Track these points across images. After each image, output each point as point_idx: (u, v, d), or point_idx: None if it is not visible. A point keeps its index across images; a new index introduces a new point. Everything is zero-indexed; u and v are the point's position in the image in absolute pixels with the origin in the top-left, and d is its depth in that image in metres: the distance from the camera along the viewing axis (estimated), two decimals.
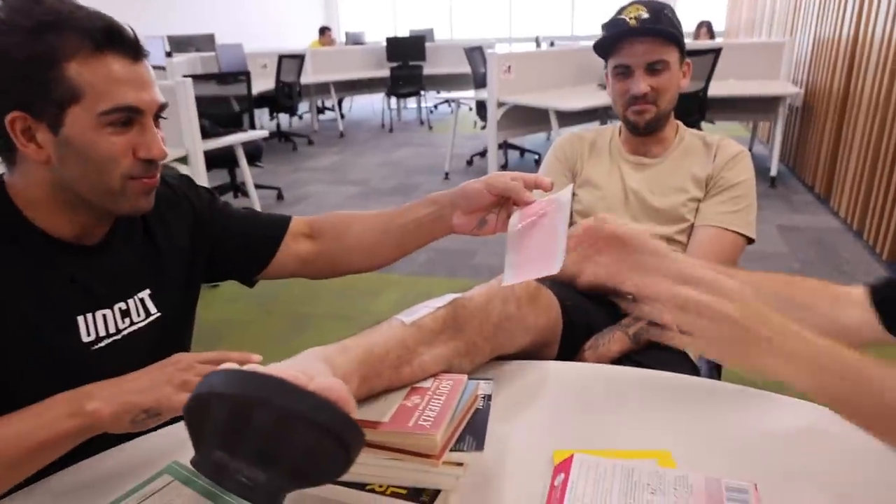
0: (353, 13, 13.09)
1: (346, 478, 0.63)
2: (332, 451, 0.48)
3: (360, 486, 0.64)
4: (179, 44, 7.31)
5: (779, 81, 4.77)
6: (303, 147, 6.73)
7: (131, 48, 0.76)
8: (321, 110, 8.68)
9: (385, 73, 7.41)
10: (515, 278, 0.78)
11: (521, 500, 0.67)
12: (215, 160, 3.68)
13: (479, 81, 5.47)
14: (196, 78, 3.54)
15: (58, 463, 0.73)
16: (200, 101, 3.19)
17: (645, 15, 1.21)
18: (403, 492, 0.63)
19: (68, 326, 0.80)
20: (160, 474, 0.70)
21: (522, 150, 5.88)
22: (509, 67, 4.46)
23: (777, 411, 0.82)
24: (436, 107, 9.15)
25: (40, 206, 0.79)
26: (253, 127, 4.27)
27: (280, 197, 4.72)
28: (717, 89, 4.19)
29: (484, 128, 5.17)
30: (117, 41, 0.74)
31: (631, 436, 0.76)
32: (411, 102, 8.68)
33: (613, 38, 1.25)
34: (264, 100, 6.21)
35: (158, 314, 0.90)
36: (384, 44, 7.57)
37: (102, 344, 0.83)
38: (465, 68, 5.98)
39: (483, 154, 5.56)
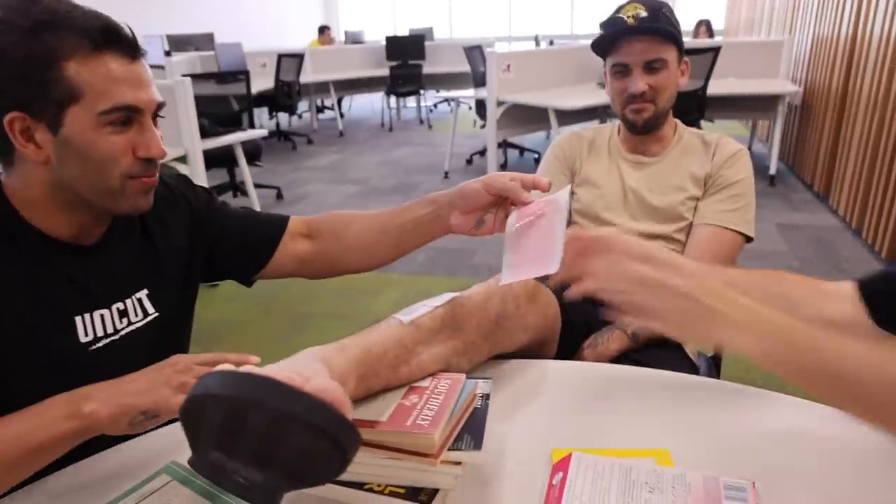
0: (352, 12, 13.08)
1: (344, 477, 0.63)
2: (328, 452, 0.48)
3: (359, 486, 0.64)
4: (179, 43, 7.31)
5: (778, 80, 4.77)
6: (302, 146, 6.73)
7: (129, 47, 0.76)
8: (320, 109, 8.67)
9: (384, 72, 7.41)
10: (513, 277, 0.78)
11: (519, 498, 0.67)
12: (214, 159, 3.68)
13: (479, 80, 5.47)
14: (195, 77, 3.54)
15: (56, 463, 0.72)
16: (199, 100, 3.19)
17: (643, 13, 1.21)
18: (402, 491, 0.63)
19: (66, 327, 0.80)
20: (158, 474, 0.70)
21: (522, 149, 5.88)
22: (508, 66, 4.46)
23: (775, 410, 0.82)
24: (435, 106, 9.15)
25: (38, 206, 0.79)
26: (252, 126, 4.27)
27: (279, 196, 4.72)
28: (716, 88, 4.19)
29: (483, 127, 5.16)
30: (115, 40, 0.74)
31: (629, 434, 0.76)
32: (411, 101, 8.68)
33: (611, 37, 1.25)
34: (263, 99, 6.21)
35: (156, 314, 0.90)
36: (383, 43, 7.57)
37: (100, 344, 0.83)
38: (465, 67, 5.98)
39: (482, 153, 5.56)
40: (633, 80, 1.25)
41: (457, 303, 0.85)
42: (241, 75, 4.32)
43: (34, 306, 0.77)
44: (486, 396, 0.75)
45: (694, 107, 4.08)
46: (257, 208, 3.84)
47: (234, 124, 3.97)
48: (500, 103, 4.44)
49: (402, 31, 9.12)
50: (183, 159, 3.08)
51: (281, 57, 6.20)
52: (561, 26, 11.53)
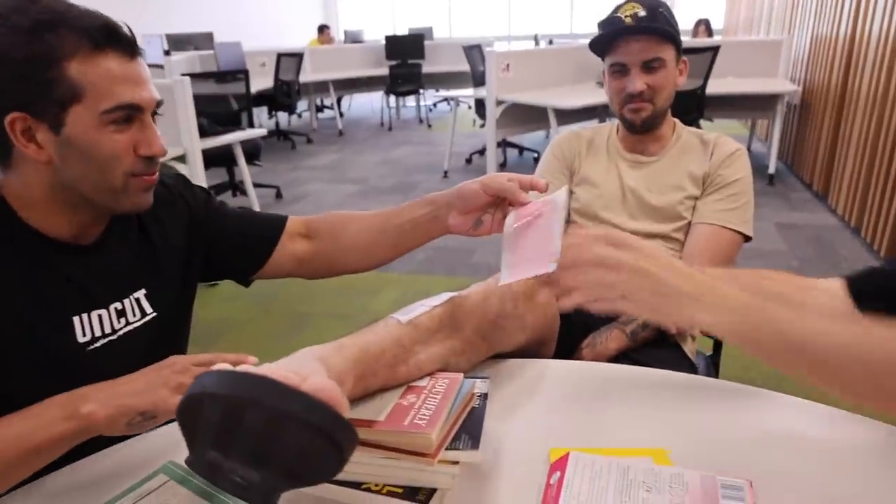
0: (351, 11, 13.08)
1: (341, 477, 0.63)
2: (325, 451, 0.48)
3: (356, 485, 0.64)
4: (178, 42, 7.30)
5: (777, 79, 4.77)
6: (301, 145, 6.73)
7: (128, 46, 0.76)
8: (320, 109, 8.67)
9: (384, 71, 7.40)
10: (511, 277, 0.78)
11: (516, 498, 0.67)
12: (214, 159, 3.68)
13: (478, 80, 5.47)
14: (194, 76, 3.54)
15: (53, 463, 0.72)
16: (199, 99, 3.19)
17: (641, 13, 1.21)
18: (399, 491, 0.63)
19: (64, 327, 0.80)
20: (156, 474, 0.70)
21: (521, 149, 5.88)
22: (508, 66, 4.46)
23: (773, 409, 0.82)
24: (435, 105, 9.15)
25: (38, 206, 0.79)
26: (251, 125, 4.26)
27: (279, 196, 4.72)
28: (715, 87, 4.19)
29: (483, 126, 5.16)
30: (115, 39, 0.75)
31: (627, 434, 0.76)
32: (410, 101, 8.68)
33: (609, 37, 1.25)
34: (263, 98, 6.21)
35: (154, 314, 0.90)
36: (383, 42, 7.57)
37: (98, 344, 0.83)
38: (464, 66, 5.98)
39: (482, 152, 5.55)
40: (631, 80, 1.25)
41: (455, 302, 0.85)
42: (241, 74, 4.32)
43: (32, 306, 0.77)
44: (484, 396, 0.75)
45: (693, 106, 4.08)
46: (256, 208, 3.85)
47: (233, 123, 3.97)
48: (499, 102, 4.44)
49: (402, 31, 9.11)
50: (182, 159, 3.08)
51: (280, 56, 6.20)
52: (560, 26, 11.53)
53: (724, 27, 8.80)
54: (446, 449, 0.65)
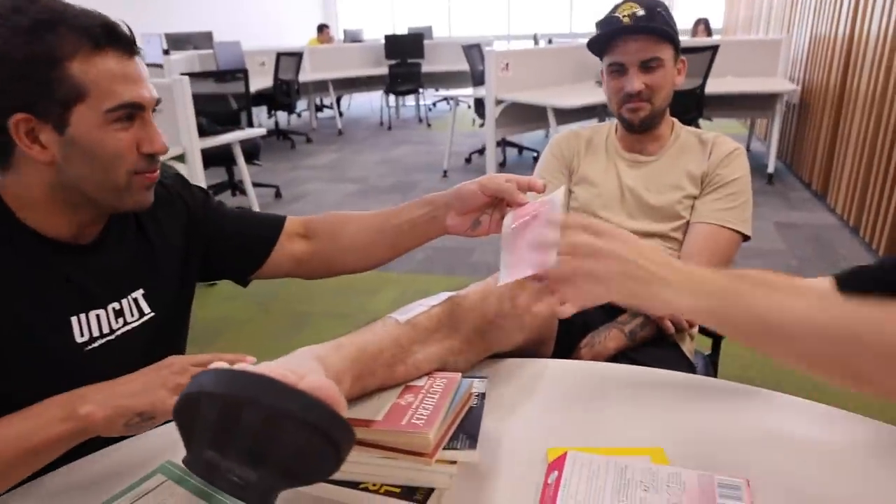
0: (351, 11, 13.07)
1: (339, 476, 0.63)
2: (322, 449, 0.48)
3: (354, 485, 0.64)
4: (177, 41, 7.29)
5: (776, 78, 4.77)
6: (301, 145, 6.73)
7: (127, 44, 0.77)
8: (319, 108, 8.67)
9: (383, 70, 7.40)
10: (510, 277, 0.79)
11: (514, 497, 0.67)
12: (213, 158, 3.68)
13: (478, 79, 5.47)
14: (193, 76, 3.54)
15: (51, 463, 0.72)
16: (198, 98, 3.19)
17: (639, 12, 1.21)
18: (397, 490, 0.63)
19: (62, 327, 0.80)
20: (153, 474, 0.70)
21: (521, 148, 5.88)
22: (507, 65, 4.46)
23: (772, 409, 0.82)
24: (434, 104, 9.14)
25: (38, 206, 0.79)
26: (251, 125, 4.26)
27: (278, 195, 4.72)
28: (714, 86, 4.19)
29: (482, 125, 5.16)
30: (114, 38, 0.75)
31: (625, 433, 0.77)
32: (410, 100, 8.68)
33: (607, 36, 1.25)
34: (262, 98, 6.21)
35: (152, 314, 0.90)
36: (382, 41, 7.56)
37: (96, 344, 0.83)
38: (464, 66, 5.97)
39: (481, 152, 5.56)
40: (630, 80, 1.25)
41: (453, 302, 0.85)
42: (240, 74, 4.32)
43: (31, 306, 0.77)
44: (482, 395, 0.75)
45: (692, 105, 4.08)
46: (256, 207, 3.85)
47: (232, 123, 3.97)
48: (498, 102, 4.44)
49: (401, 30, 9.11)
50: (181, 158, 3.08)
51: (280, 55, 6.20)
52: (560, 25, 11.53)
53: (724, 26, 8.81)
54: (444, 448, 0.65)
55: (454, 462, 0.65)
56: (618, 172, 1.35)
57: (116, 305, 0.86)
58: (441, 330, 0.81)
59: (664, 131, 1.35)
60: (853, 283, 0.77)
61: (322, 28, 8.97)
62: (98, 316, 0.83)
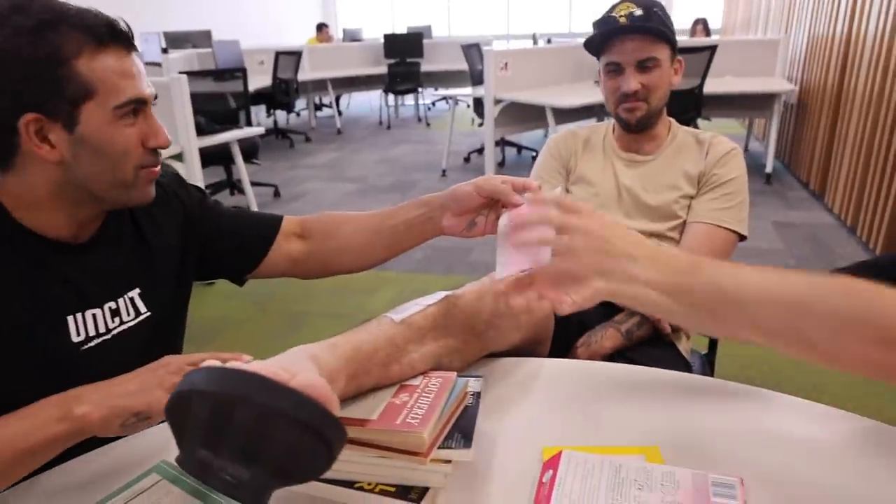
0: (350, 10, 13.06)
1: (334, 476, 0.63)
2: (314, 447, 0.48)
3: (349, 484, 0.64)
4: (176, 40, 7.28)
5: (774, 78, 4.78)
6: (300, 144, 6.72)
7: (126, 41, 0.78)
8: (318, 107, 8.66)
9: (383, 69, 7.40)
10: (506, 272, 0.79)
11: (509, 496, 0.67)
12: (211, 157, 3.68)
13: (477, 78, 5.47)
14: (192, 74, 3.54)
15: (47, 462, 0.72)
16: (196, 97, 3.19)
17: (636, 12, 1.22)
18: (392, 489, 0.63)
19: (58, 326, 0.80)
20: (148, 473, 0.70)
21: (520, 147, 5.88)
22: (506, 64, 4.46)
23: (768, 408, 0.82)
24: (433, 104, 9.14)
25: (39, 205, 0.79)
26: (249, 124, 4.26)
27: (277, 194, 4.72)
28: (713, 86, 4.19)
29: (481, 125, 5.16)
30: (115, 35, 0.76)
31: (621, 432, 0.77)
32: (409, 99, 8.67)
33: (604, 36, 1.26)
34: (261, 97, 6.20)
35: (148, 313, 0.90)
36: (382, 40, 7.56)
37: (92, 344, 0.83)
38: (463, 65, 5.97)
39: (480, 151, 5.56)
40: (626, 79, 1.25)
41: (449, 301, 0.85)
42: (239, 73, 4.32)
43: (27, 306, 0.77)
44: (477, 395, 0.75)
45: (691, 105, 4.08)
46: (254, 206, 3.85)
47: (231, 122, 3.97)
48: (497, 101, 4.44)
49: (401, 29, 9.11)
50: (179, 157, 3.07)
51: (279, 54, 6.19)
52: (559, 24, 11.53)
53: (722, 26, 8.81)
54: (439, 448, 0.65)
55: (449, 461, 0.65)
56: (615, 172, 1.35)
57: (113, 305, 0.86)
58: (436, 329, 0.81)
59: (661, 131, 1.35)
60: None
61: (321, 27, 8.96)
62: (94, 315, 0.83)
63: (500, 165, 5.46)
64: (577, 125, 1.52)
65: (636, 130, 1.32)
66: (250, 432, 0.47)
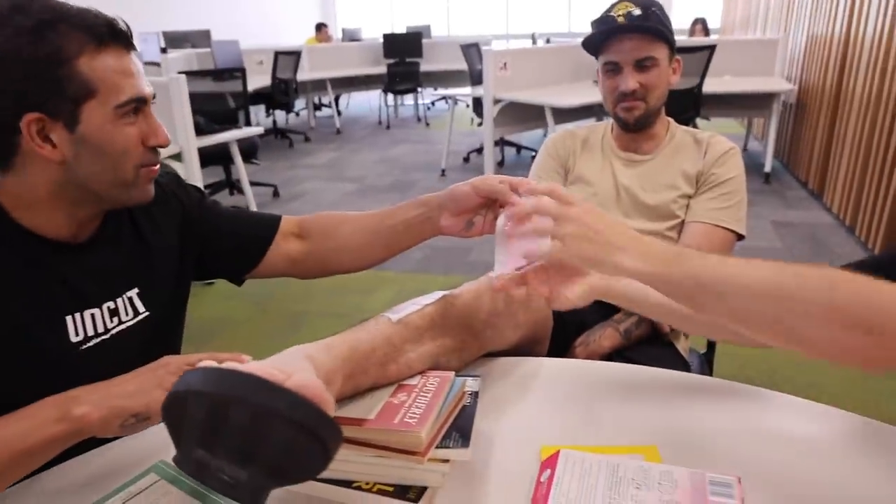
0: (349, 9, 13.05)
1: (332, 475, 0.63)
2: (310, 447, 0.48)
3: (347, 484, 0.64)
4: (174, 40, 7.27)
5: (773, 78, 4.78)
6: (299, 144, 6.72)
7: (125, 40, 0.78)
8: (318, 107, 8.65)
9: (382, 69, 7.39)
10: (504, 269, 0.79)
11: (507, 496, 0.67)
12: (210, 157, 3.67)
13: (476, 78, 5.46)
14: (191, 74, 3.54)
15: (45, 462, 0.72)
16: (195, 97, 3.19)
17: (634, 12, 1.22)
18: (390, 489, 0.64)
19: (57, 326, 0.80)
20: (146, 473, 0.70)
21: (519, 147, 5.88)
22: (505, 64, 4.45)
23: (766, 407, 0.82)
24: (433, 103, 9.14)
25: (39, 205, 0.79)
26: (248, 124, 4.26)
27: (276, 194, 4.71)
28: (712, 86, 4.19)
29: (481, 125, 5.16)
30: (115, 34, 0.76)
31: (619, 431, 0.77)
32: (408, 99, 8.67)
33: (602, 35, 1.26)
34: (260, 96, 6.20)
35: (147, 313, 0.90)
36: (381, 40, 7.55)
37: (91, 344, 0.83)
38: (462, 65, 5.97)
39: (480, 151, 5.56)
40: (624, 79, 1.25)
41: (447, 301, 0.85)
42: (238, 72, 4.31)
43: (25, 306, 0.77)
44: (475, 394, 0.75)
45: (690, 104, 4.08)
46: (253, 206, 3.85)
47: (230, 122, 3.96)
48: (496, 101, 4.44)
49: (400, 29, 9.11)
50: (178, 157, 3.07)
51: (278, 54, 6.19)
52: (558, 24, 11.52)
53: (721, 26, 8.81)
54: (436, 447, 0.65)
55: (447, 461, 0.65)
56: (613, 172, 1.35)
57: (111, 304, 0.86)
58: (434, 329, 0.81)
59: (659, 130, 1.35)
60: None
61: (320, 27, 8.96)
62: (93, 315, 0.83)
63: (500, 165, 5.46)
64: (576, 125, 1.52)
65: (634, 130, 1.32)
66: (246, 432, 0.47)
